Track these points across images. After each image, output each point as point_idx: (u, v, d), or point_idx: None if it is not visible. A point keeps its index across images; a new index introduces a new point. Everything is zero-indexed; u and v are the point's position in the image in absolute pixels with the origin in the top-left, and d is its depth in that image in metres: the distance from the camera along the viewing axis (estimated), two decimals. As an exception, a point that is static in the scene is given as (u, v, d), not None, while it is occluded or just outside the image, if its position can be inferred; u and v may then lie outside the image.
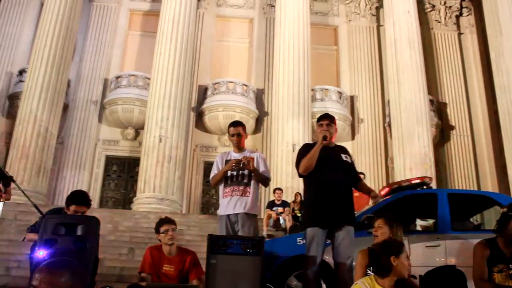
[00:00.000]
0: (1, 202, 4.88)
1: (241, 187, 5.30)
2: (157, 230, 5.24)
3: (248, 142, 17.41)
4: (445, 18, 21.12)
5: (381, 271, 3.48)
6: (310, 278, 4.65)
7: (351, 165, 5.04)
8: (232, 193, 5.30)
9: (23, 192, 5.88)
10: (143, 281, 4.97)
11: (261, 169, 5.40)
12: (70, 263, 2.22)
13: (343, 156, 4.98)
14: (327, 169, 4.80)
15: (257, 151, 5.73)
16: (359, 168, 16.69)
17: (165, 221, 5.23)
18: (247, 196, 5.28)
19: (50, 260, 2.31)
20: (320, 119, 5.09)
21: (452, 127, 19.38)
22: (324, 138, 4.83)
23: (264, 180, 5.42)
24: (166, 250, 5.15)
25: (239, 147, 5.53)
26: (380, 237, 4.42)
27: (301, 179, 5.16)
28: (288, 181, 14.19)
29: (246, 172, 5.34)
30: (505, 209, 4.30)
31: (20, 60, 18.58)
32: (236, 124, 5.63)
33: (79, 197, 5.05)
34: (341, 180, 4.82)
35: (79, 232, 4.29)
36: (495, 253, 4.21)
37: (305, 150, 4.99)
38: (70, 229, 4.30)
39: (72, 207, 4.97)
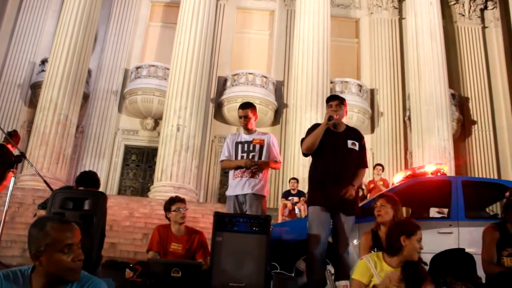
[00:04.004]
0: (13, 177, 4.95)
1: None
2: (167, 209, 5.25)
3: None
4: (469, 12, 20.72)
5: (390, 249, 3.40)
6: (315, 259, 4.62)
7: (356, 153, 4.88)
8: (242, 175, 5.29)
9: (30, 163, 5.93)
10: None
11: (273, 152, 5.40)
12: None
13: (349, 142, 4.85)
14: (332, 154, 4.75)
15: (267, 133, 5.68)
16: (378, 162, 16.48)
17: (177, 200, 5.27)
18: (256, 177, 5.26)
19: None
20: (329, 99, 4.98)
21: (474, 122, 19.04)
22: (330, 118, 4.72)
23: (275, 166, 5.49)
24: (175, 229, 5.18)
25: (248, 129, 5.49)
26: (384, 215, 4.37)
27: None
28: (304, 172, 14.02)
29: (256, 155, 5.34)
30: (508, 194, 4.23)
31: (43, 50, 18.76)
32: (245, 106, 5.59)
33: (87, 179, 5.06)
34: (345, 168, 4.75)
35: (86, 206, 4.35)
36: (504, 237, 4.14)
37: (311, 129, 4.94)
38: (77, 203, 4.36)
39: (81, 189, 5.00)
